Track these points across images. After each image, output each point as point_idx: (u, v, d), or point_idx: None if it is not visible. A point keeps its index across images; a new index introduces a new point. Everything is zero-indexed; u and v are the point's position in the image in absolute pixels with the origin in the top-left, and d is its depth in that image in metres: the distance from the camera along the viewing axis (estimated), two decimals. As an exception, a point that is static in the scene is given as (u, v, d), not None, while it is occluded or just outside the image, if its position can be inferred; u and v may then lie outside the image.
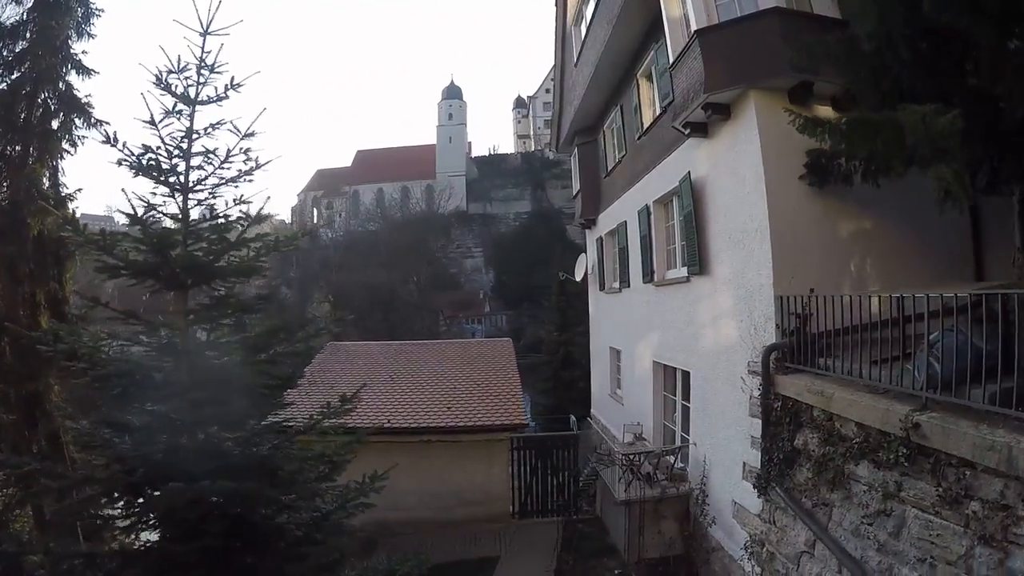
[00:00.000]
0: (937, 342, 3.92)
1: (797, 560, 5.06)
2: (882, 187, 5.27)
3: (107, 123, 9.28)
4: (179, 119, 4.35)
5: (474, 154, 59.96)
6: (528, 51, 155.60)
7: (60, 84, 8.86)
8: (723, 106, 6.16)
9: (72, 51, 8.85)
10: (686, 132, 6.81)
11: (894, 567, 3.93)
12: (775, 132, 5.76)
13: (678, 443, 8.40)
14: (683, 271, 7.81)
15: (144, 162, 4.24)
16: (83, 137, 9.15)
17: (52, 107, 8.85)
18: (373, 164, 51.08)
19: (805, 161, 5.74)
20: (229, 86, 4.36)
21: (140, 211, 4.34)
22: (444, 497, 9.23)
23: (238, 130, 4.22)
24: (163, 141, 4.28)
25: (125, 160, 4.23)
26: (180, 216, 4.44)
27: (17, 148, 8.67)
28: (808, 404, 4.89)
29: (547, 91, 61.88)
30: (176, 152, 4.32)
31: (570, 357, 20.71)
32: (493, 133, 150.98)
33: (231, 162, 4.34)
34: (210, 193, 4.48)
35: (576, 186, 14.40)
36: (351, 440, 4.49)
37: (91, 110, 9.05)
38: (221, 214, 4.39)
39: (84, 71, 8.96)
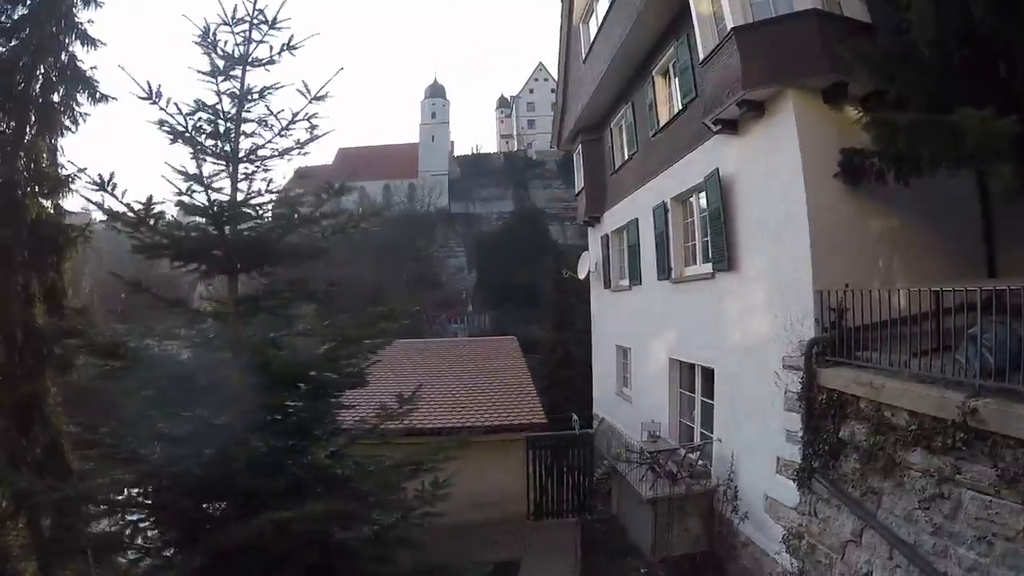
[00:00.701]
0: (986, 332, 4.22)
1: (842, 550, 5.32)
2: (903, 188, 5.66)
3: (115, 98, 8.89)
4: (229, 79, 4.00)
5: (457, 153, 60.03)
6: (512, 51, 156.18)
7: (63, 55, 8.45)
8: (758, 103, 6.43)
9: (77, 19, 8.43)
10: (716, 129, 7.07)
11: (949, 548, 4.21)
12: (812, 130, 6.08)
13: (697, 440, 8.66)
14: (707, 267, 8.07)
15: (191, 125, 3.88)
16: (85, 115, 8.72)
17: (53, 79, 8.40)
18: (355, 163, 50.59)
19: (839, 160, 6.06)
20: (286, 47, 3.99)
21: (172, 190, 3.88)
22: (459, 499, 9.13)
23: (308, 90, 3.89)
24: (219, 98, 3.90)
25: (168, 122, 3.87)
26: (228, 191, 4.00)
27: (12, 123, 8.21)
28: (854, 395, 5.15)
29: (531, 91, 62.41)
30: (228, 116, 3.97)
31: (568, 356, 20.95)
32: (476, 132, 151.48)
33: (291, 131, 3.99)
34: (260, 166, 4.13)
35: (579, 184, 14.63)
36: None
37: (96, 83, 8.63)
38: (279, 189, 4.08)
39: (89, 41, 8.54)
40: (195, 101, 3.94)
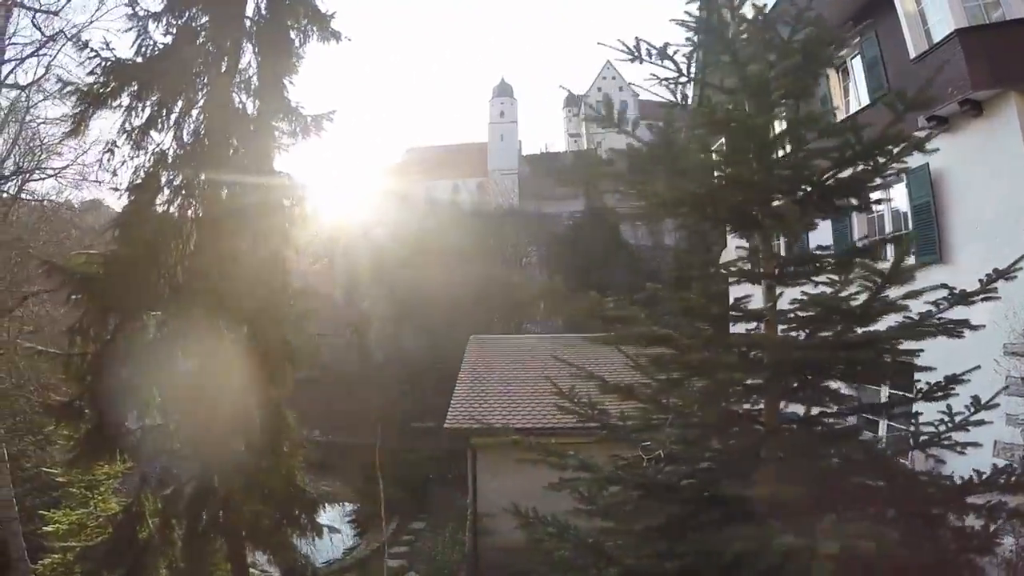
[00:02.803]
0: None
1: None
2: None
3: (348, 38, 8.28)
4: None
5: (525, 152, 63.09)
6: (579, 49, 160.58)
7: None
8: (976, 103, 7.65)
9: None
10: (930, 125, 8.29)
11: None
12: (1030, 133, 7.27)
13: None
14: (909, 261, 9.24)
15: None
16: (301, 59, 8.06)
17: (276, 4, 7.89)
18: (423, 161, 54.50)
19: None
20: None
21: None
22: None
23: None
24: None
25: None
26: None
27: (220, 46, 7.67)
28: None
29: (598, 89, 64.71)
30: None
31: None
32: (544, 131, 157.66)
33: None
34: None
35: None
36: None
37: (329, 16, 7.98)
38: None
39: None
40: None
